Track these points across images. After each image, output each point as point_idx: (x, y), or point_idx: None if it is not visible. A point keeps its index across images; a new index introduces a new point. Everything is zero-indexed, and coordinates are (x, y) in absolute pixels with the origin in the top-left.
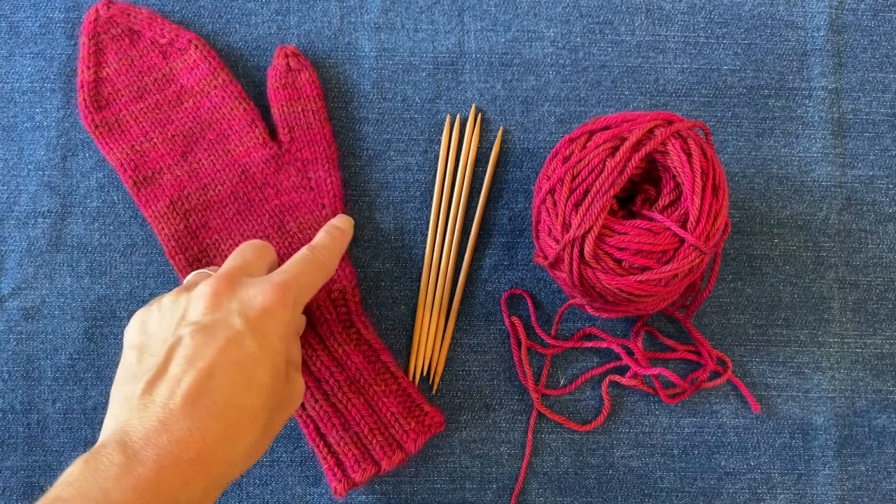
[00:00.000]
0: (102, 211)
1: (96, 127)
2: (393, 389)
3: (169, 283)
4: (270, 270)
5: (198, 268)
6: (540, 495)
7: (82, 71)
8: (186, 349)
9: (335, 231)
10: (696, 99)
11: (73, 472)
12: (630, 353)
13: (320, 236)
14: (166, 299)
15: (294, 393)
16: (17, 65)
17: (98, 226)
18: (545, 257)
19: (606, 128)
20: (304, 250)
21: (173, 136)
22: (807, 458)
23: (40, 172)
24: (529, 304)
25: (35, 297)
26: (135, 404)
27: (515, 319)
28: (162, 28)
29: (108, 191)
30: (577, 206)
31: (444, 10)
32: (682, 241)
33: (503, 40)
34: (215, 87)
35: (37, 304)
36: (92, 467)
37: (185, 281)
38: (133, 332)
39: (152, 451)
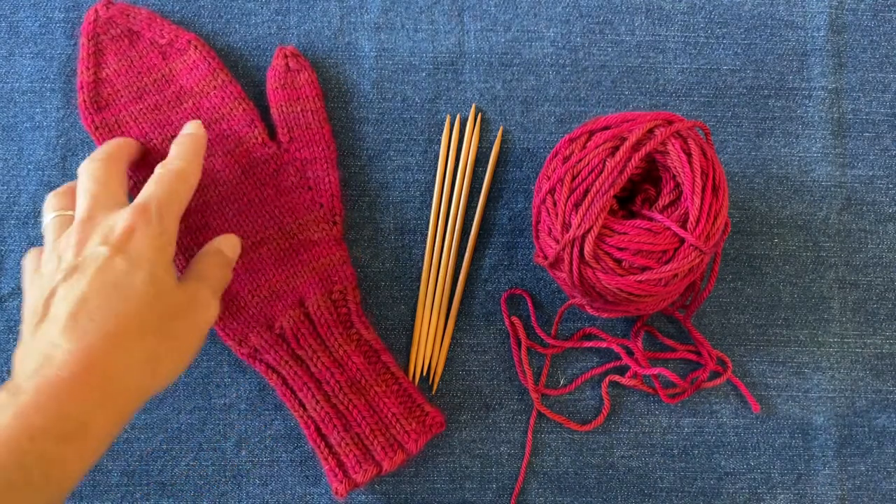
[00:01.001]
0: None
1: (96, 128)
2: (394, 390)
3: None
4: (126, 179)
5: None
6: (540, 495)
7: (82, 72)
8: (61, 292)
9: (183, 138)
10: (696, 99)
11: None
12: (630, 353)
13: (171, 149)
14: (43, 261)
15: (193, 302)
16: (17, 65)
17: None
18: (545, 257)
19: (606, 128)
20: (156, 169)
21: (173, 136)
22: (807, 458)
23: (40, 172)
24: (529, 304)
25: None
26: (21, 356)
27: (515, 319)
28: (161, 28)
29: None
30: (577, 205)
31: (444, 10)
32: (682, 241)
33: (503, 40)
34: (215, 87)
35: None
36: None
37: (47, 229)
38: (24, 300)
39: (34, 381)
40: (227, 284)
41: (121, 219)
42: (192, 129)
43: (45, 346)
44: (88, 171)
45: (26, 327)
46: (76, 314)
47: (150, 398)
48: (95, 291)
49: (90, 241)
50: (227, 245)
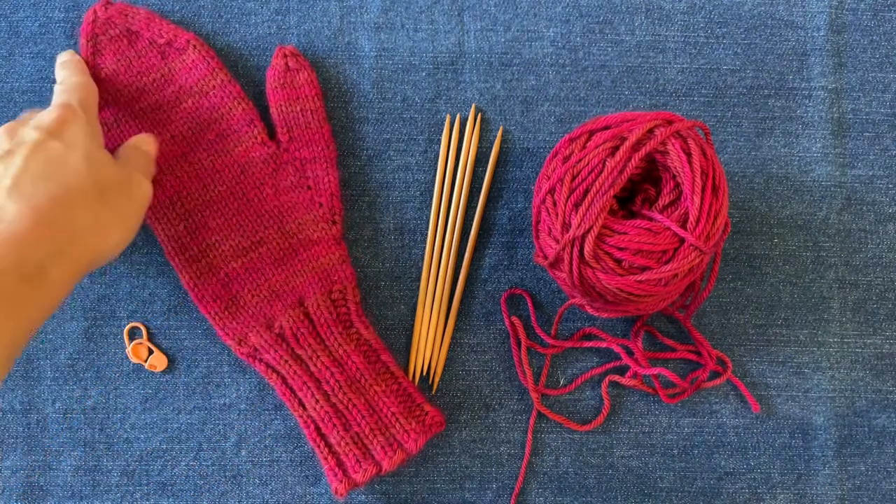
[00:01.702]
0: None
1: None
2: (393, 389)
3: (169, 282)
4: None
5: (197, 268)
6: (540, 495)
7: None
8: (0, 168)
9: (64, 62)
10: (696, 99)
11: None
12: (630, 353)
13: (57, 74)
14: None
15: (129, 180)
16: (17, 65)
17: None
18: (545, 257)
19: (606, 128)
20: (56, 87)
21: (172, 136)
22: (806, 458)
23: None
24: (529, 304)
25: None
26: None
27: (515, 319)
28: (160, 28)
29: None
30: (577, 205)
31: (444, 10)
32: (682, 240)
33: (503, 40)
34: (214, 87)
35: None
36: None
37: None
38: None
39: None
40: (152, 171)
41: (50, 113)
42: (65, 56)
43: None
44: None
45: None
46: (18, 181)
47: (100, 263)
48: (31, 165)
49: (20, 129)
50: (144, 141)
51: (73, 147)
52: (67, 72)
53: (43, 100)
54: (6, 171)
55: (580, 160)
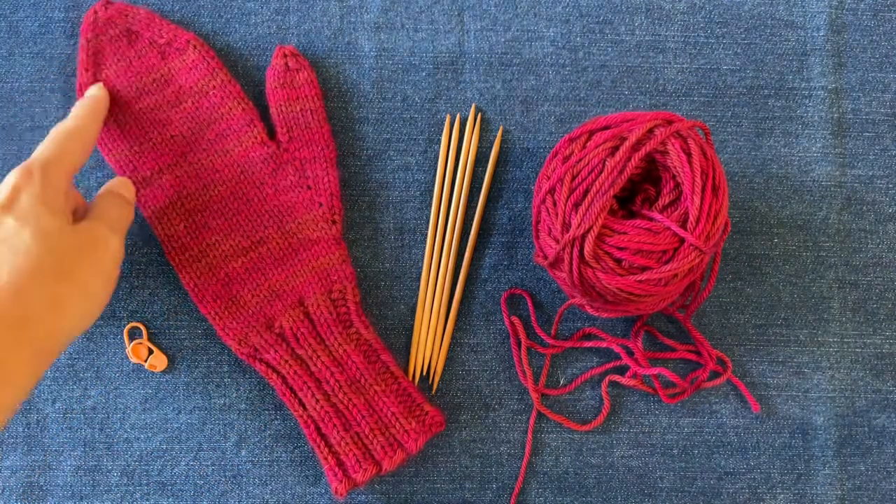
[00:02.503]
0: None
1: None
2: (393, 389)
3: (169, 282)
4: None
5: (197, 268)
6: (540, 495)
7: (81, 72)
8: None
9: (84, 100)
10: (696, 99)
11: None
12: (630, 353)
13: (72, 110)
14: None
15: (92, 241)
16: (16, 65)
17: None
18: (545, 257)
19: (606, 127)
20: (53, 129)
21: (172, 136)
22: (806, 457)
23: None
24: (529, 304)
25: None
26: None
27: (515, 319)
28: (160, 28)
29: None
30: (576, 205)
31: (444, 9)
32: (682, 240)
33: (503, 40)
34: (214, 87)
35: None
36: None
37: None
38: None
39: None
40: (130, 224)
41: (6, 181)
42: (93, 92)
43: None
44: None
45: None
46: None
47: (70, 341)
48: None
49: None
50: (122, 186)
51: (26, 221)
52: (73, 112)
53: (43, 100)
54: None
55: (580, 160)
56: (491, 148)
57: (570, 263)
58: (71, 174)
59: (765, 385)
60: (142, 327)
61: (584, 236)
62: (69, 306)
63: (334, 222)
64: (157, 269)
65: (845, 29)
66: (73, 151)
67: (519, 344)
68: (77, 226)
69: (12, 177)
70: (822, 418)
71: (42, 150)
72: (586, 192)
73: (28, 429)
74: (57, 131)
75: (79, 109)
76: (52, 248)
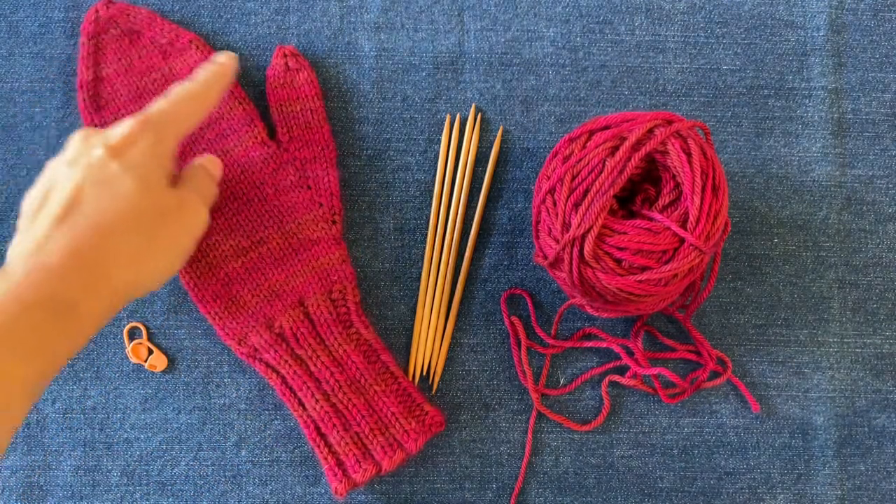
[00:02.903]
0: None
1: (96, 127)
2: (393, 389)
3: (169, 282)
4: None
5: (197, 268)
6: (540, 495)
7: (82, 71)
8: (57, 183)
9: (209, 64)
10: (696, 99)
11: None
12: (630, 353)
13: (196, 72)
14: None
15: (182, 206)
16: (16, 65)
17: None
18: (545, 257)
19: (606, 127)
20: (174, 86)
21: None
22: (806, 457)
23: (40, 172)
24: (529, 304)
25: None
26: (19, 236)
27: (515, 319)
28: (161, 28)
29: None
30: (576, 205)
31: (444, 9)
32: (682, 240)
33: (503, 40)
34: None
35: None
36: None
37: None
38: (29, 192)
39: (25, 265)
40: (214, 197)
41: (122, 127)
42: (221, 58)
43: (37, 234)
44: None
45: (25, 217)
46: (68, 206)
47: (139, 295)
48: (85, 188)
49: (92, 140)
50: (211, 163)
51: (132, 169)
52: (197, 75)
53: (43, 100)
54: (63, 186)
55: (580, 160)
56: (491, 148)
57: (570, 263)
58: (183, 135)
59: (765, 385)
60: (142, 327)
61: (584, 236)
62: (151, 262)
63: (334, 222)
64: None
65: (845, 29)
66: (190, 113)
67: (519, 344)
68: (175, 189)
69: (128, 125)
70: (822, 418)
71: (160, 105)
72: (586, 192)
73: (28, 429)
74: (177, 91)
75: (202, 73)
76: (150, 202)
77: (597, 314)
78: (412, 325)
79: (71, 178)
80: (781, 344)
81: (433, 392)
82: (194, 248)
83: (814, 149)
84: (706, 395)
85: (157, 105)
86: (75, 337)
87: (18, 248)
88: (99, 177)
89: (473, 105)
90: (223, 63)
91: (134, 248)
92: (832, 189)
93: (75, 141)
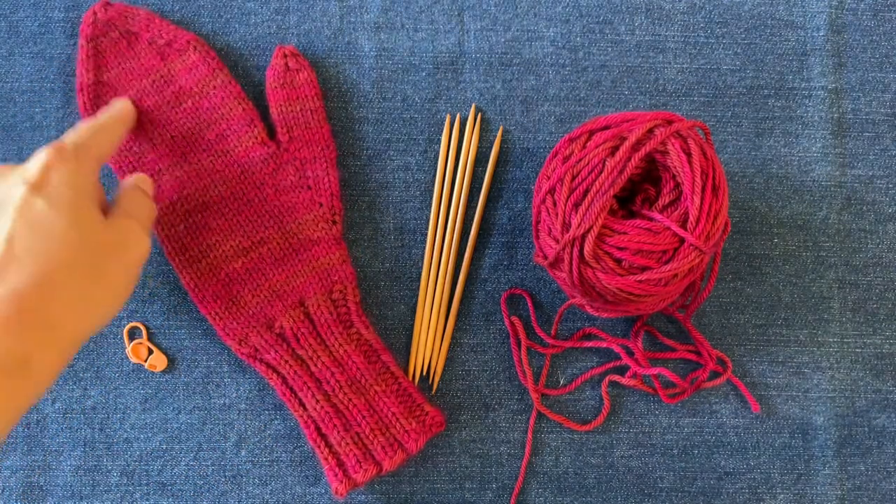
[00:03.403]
0: None
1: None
2: (393, 389)
3: (169, 282)
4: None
5: (197, 268)
6: (540, 495)
7: (81, 74)
8: None
9: (109, 106)
10: (696, 99)
11: None
12: (630, 353)
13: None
14: None
15: (122, 238)
16: (16, 64)
17: None
18: (545, 257)
19: (606, 127)
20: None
21: (172, 136)
22: (806, 458)
23: None
24: (529, 304)
25: None
26: None
27: (515, 319)
28: (160, 29)
29: (108, 191)
30: (576, 205)
31: (444, 9)
32: (682, 240)
33: (503, 40)
34: (214, 87)
35: None
36: None
37: None
38: None
39: None
40: (153, 218)
41: (36, 159)
42: (119, 103)
43: None
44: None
45: None
46: (5, 259)
47: (90, 337)
48: (16, 233)
49: (8, 176)
50: (142, 181)
51: (58, 206)
52: (99, 113)
53: (43, 100)
54: None
55: (580, 160)
56: (491, 148)
57: (570, 263)
58: (100, 163)
59: (765, 385)
60: (142, 327)
61: (584, 236)
62: (96, 304)
63: (335, 222)
64: (157, 269)
65: (845, 29)
66: (101, 141)
67: (519, 344)
68: (110, 220)
69: (43, 155)
70: (822, 418)
71: (71, 135)
72: (586, 192)
73: (28, 429)
74: (84, 123)
75: (104, 110)
76: (86, 240)
77: (597, 314)
78: (412, 325)
79: (2, 223)
80: (781, 344)
81: (433, 392)
82: (139, 277)
83: (814, 149)
84: (706, 395)
85: (67, 135)
86: (29, 393)
87: None
88: (28, 219)
89: (473, 105)
90: (123, 105)
91: (78, 292)
92: (832, 189)
93: None
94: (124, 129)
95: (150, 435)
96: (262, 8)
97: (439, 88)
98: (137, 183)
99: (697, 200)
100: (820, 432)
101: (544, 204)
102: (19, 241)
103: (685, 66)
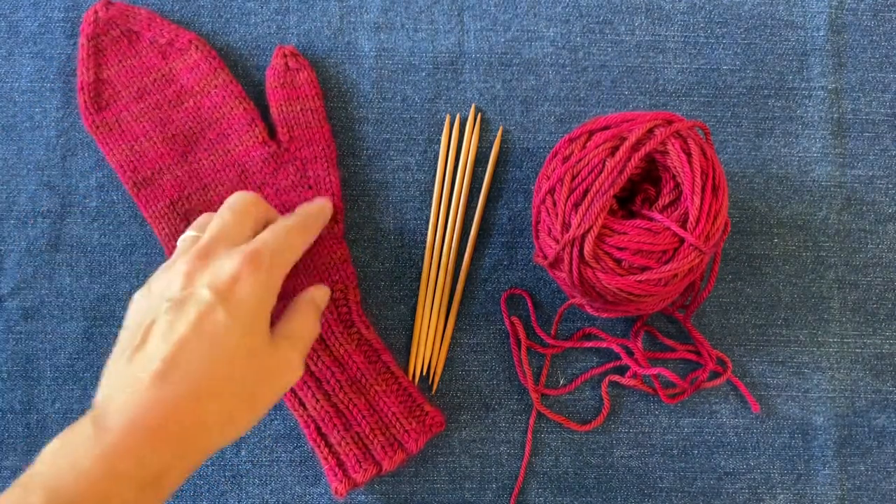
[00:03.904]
0: (102, 211)
1: (97, 128)
2: (394, 389)
3: None
4: (262, 226)
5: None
6: (539, 495)
7: (82, 72)
8: (161, 325)
9: (309, 205)
10: (696, 99)
11: (50, 448)
12: (630, 353)
13: (299, 207)
14: (154, 279)
15: (281, 365)
16: (16, 64)
17: (97, 226)
18: (545, 257)
19: (606, 127)
20: (279, 218)
21: (173, 136)
22: (806, 458)
23: (39, 172)
24: (529, 304)
25: (34, 297)
26: (113, 380)
27: (515, 319)
28: (161, 28)
29: (108, 191)
30: (576, 205)
31: (444, 9)
32: (681, 240)
33: (503, 40)
34: (215, 86)
35: (36, 303)
36: (66, 441)
37: (179, 243)
38: (128, 313)
39: (120, 420)
40: (313, 342)
41: (230, 262)
42: (319, 202)
43: (135, 384)
44: (231, 201)
45: (122, 347)
46: (170, 361)
47: (217, 451)
48: (191, 340)
49: (199, 278)
50: (320, 296)
51: (236, 322)
52: (298, 212)
53: (43, 100)
54: (167, 334)
55: (580, 160)
56: (491, 148)
57: (570, 263)
58: (290, 268)
59: (765, 385)
60: None
61: (584, 236)
62: (238, 424)
63: (336, 222)
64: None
65: (845, 29)
66: (296, 247)
67: (519, 344)
68: (275, 343)
69: (236, 262)
70: (822, 418)
71: (269, 238)
72: (586, 192)
73: (28, 429)
74: (282, 224)
75: (303, 209)
76: (250, 362)
77: (597, 314)
78: (412, 325)
79: (176, 325)
80: (781, 344)
81: (433, 392)
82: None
83: (814, 149)
84: (706, 395)
85: (265, 237)
86: None
87: (115, 384)
88: (204, 329)
89: (473, 105)
90: (322, 205)
91: (226, 413)
92: (832, 189)
93: (177, 274)
94: (317, 231)
95: None
96: (262, 8)
97: (439, 88)
98: (314, 295)
99: (697, 200)
100: (820, 432)
101: (544, 204)
102: (189, 349)
103: (685, 66)
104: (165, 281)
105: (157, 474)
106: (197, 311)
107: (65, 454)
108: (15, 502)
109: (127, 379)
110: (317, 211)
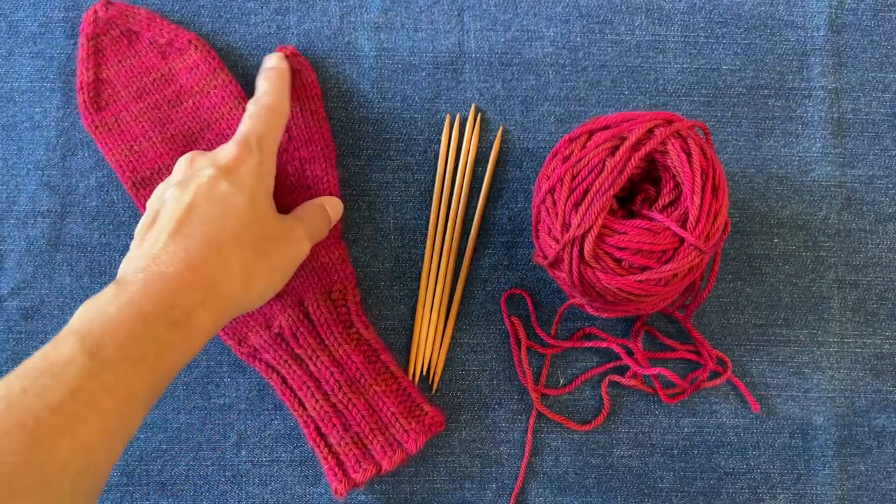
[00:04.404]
0: (102, 210)
1: (96, 128)
2: (393, 389)
3: None
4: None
5: None
6: (539, 495)
7: (81, 72)
8: (169, 201)
9: (268, 72)
10: (696, 99)
11: (76, 312)
12: (630, 353)
13: (258, 84)
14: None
15: (287, 234)
16: (16, 64)
17: (97, 225)
18: (545, 257)
19: (606, 127)
20: (248, 105)
21: (173, 135)
22: (806, 458)
23: (39, 172)
24: (529, 304)
25: (34, 297)
26: (131, 253)
27: (515, 319)
28: (161, 28)
29: (108, 190)
30: (576, 205)
31: (444, 9)
32: (681, 240)
33: (503, 40)
34: (215, 86)
35: (36, 303)
36: (91, 301)
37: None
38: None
39: (141, 275)
40: (322, 238)
41: (228, 149)
42: (274, 63)
43: (151, 249)
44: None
45: (136, 237)
46: (181, 221)
47: (240, 312)
48: (198, 204)
49: (198, 161)
50: (331, 204)
51: (240, 189)
52: (264, 87)
53: (43, 100)
54: (175, 205)
55: (580, 160)
56: (491, 148)
57: (570, 263)
58: (276, 151)
59: (765, 385)
60: None
61: (584, 236)
62: (254, 280)
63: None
64: None
65: (845, 29)
66: (277, 126)
67: (519, 344)
68: (281, 219)
69: (233, 148)
70: (822, 418)
71: (253, 125)
72: (586, 192)
73: None
74: (259, 108)
75: (269, 84)
76: (257, 220)
77: (597, 314)
78: (412, 325)
79: (183, 196)
80: (781, 344)
81: (433, 392)
82: (288, 278)
83: (814, 149)
84: (706, 395)
85: (249, 125)
86: (188, 348)
87: (131, 262)
88: (210, 194)
89: (473, 105)
90: (279, 67)
91: (243, 263)
92: (832, 189)
93: (182, 164)
94: (288, 101)
95: (150, 434)
96: (262, 8)
97: (439, 88)
98: (325, 202)
99: (697, 200)
100: (820, 432)
101: (544, 204)
102: (198, 211)
103: (685, 66)
104: (170, 178)
105: (185, 315)
106: (200, 184)
107: (90, 308)
108: (51, 349)
109: (143, 248)
110: (278, 77)
